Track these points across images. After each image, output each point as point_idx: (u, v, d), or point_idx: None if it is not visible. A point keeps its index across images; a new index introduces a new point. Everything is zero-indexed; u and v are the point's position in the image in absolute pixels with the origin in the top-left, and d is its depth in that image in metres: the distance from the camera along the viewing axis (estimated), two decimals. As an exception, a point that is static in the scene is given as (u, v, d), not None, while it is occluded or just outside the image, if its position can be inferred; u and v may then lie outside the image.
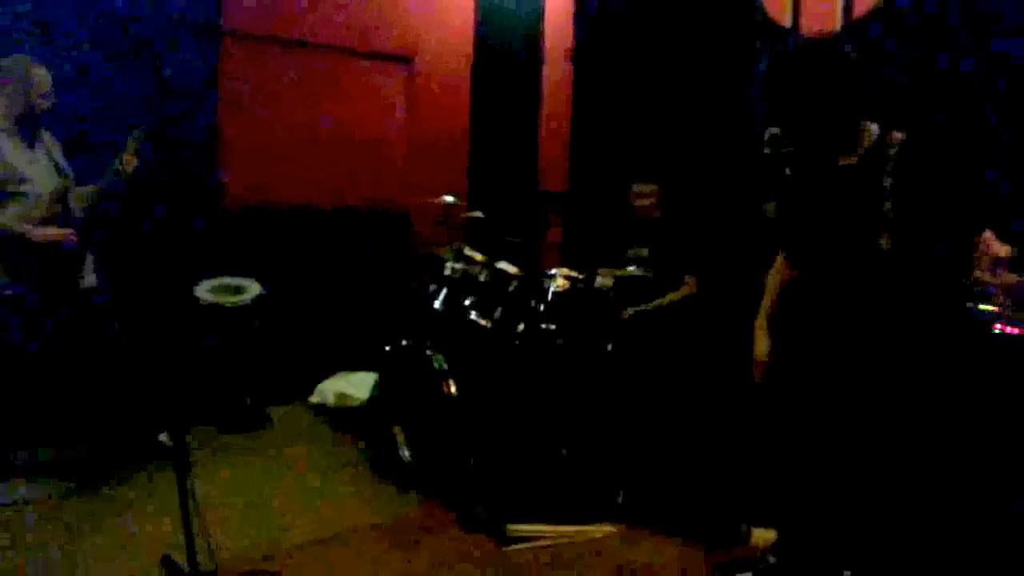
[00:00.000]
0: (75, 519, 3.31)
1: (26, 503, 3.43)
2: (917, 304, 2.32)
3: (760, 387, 2.79)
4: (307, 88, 5.22)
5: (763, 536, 3.14)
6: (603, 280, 4.04)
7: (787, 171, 3.22)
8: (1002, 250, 2.02)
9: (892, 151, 2.32)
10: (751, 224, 4.21)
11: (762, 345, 2.79)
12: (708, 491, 3.43)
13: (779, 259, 2.82)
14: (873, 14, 3.98)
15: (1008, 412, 2.46)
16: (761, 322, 2.82)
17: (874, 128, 2.42)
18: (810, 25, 4.29)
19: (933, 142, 2.39)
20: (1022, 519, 2.42)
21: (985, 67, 3.49)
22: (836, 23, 4.15)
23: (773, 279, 2.83)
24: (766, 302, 2.83)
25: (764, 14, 4.52)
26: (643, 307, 4.09)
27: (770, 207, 3.79)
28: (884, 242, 2.27)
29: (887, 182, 2.29)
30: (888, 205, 2.27)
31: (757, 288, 2.95)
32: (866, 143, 2.41)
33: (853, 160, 2.43)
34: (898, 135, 2.35)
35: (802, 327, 2.62)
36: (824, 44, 2.51)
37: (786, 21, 4.42)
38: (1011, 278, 2.01)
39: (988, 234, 2.05)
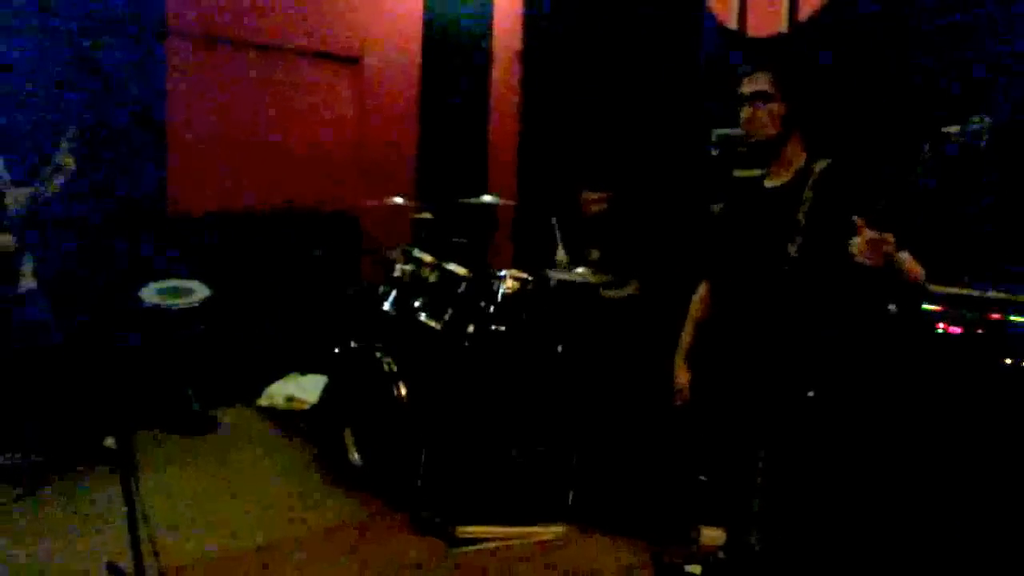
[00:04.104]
0: (19, 525, 3.24)
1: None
2: (843, 308, 2.44)
3: (680, 411, 2.89)
4: (254, 89, 5.15)
5: (712, 535, 3.18)
6: (555, 277, 4.07)
7: (736, 173, 3.34)
8: (872, 233, 2.16)
9: (815, 175, 2.51)
10: (699, 225, 4.26)
11: (682, 378, 2.90)
12: (657, 491, 3.47)
13: (700, 290, 2.92)
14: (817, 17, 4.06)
15: (947, 410, 2.55)
16: (680, 356, 2.93)
17: (800, 154, 2.61)
18: (756, 27, 4.35)
19: (852, 163, 2.55)
20: (963, 520, 2.51)
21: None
22: (782, 25, 4.21)
23: (692, 313, 2.93)
24: (685, 338, 2.93)
25: (711, 16, 4.58)
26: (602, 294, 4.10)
27: (718, 208, 3.87)
28: (792, 249, 2.43)
29: (806, 194, 2.47)
30: (801, 214, 2.43)
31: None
32: (795, 167, 2.60)
33: (779, 183, 2.62)
34: (823, 163, 2.54)
35: (720, 356, 2.72)
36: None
37: (732, 23, 4.48)
38: (871, 233, 2.16)
39: (859, 220, 2.18)
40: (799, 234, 2.44)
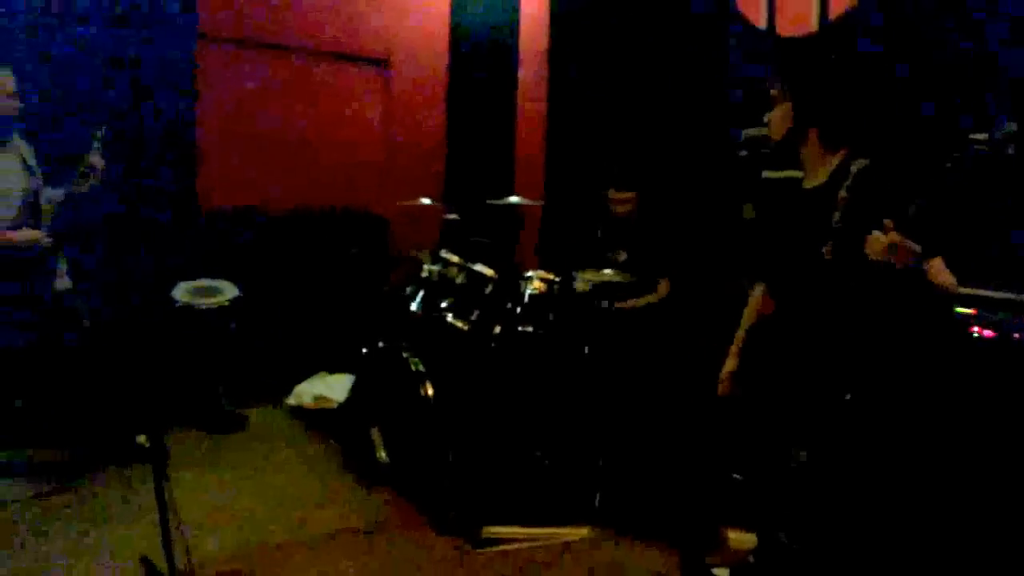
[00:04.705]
0: (53, 520, 3.30)
1: (4, 503, 3.42)
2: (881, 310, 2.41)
3: (721, 401, 2.87)
4: (283, 91, 5.22)
5: (741, 538, 3.15)
6: (580, 284, 4.07)
7: (764, 174, 3.31)
8: (896, 237, 2.13)
9: (851, 176, 2.45)
10: (727, 226, 4.24)
11: (728, 367, 2.87)
12: (684, 493, 3.45)
13: (757, 290, 2.89)
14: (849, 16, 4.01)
15: (981, 413, 2.52)
16: (734, 348, 2.89)
17: (837, 153, 2.55)
18: (786, 27, 4.32)
19: (891, 164, 2.51)
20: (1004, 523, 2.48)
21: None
22: (812, 25, 4.17)
23: (749, 309, 2.90)
24: (740, 332, 2.90)
25: (739, 15, 4.55)
26: (618, 305, 4.09)
27: (747, 208, 3.84)
28: (827, 251, 2.39)
29: (841, 195, 2.41)
30: (836, 216, 2.39)
31: (731, 291, 2.99)
32: (830, 167, 2.54)
33: (816, 184, 2.57)
34: (861, 162, 2.48)
35: (771, 354, 2.70)
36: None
37: (761, 22, 4.45)
38: (895, 237, 2.13)
39: (888, 223, 2.15)
40: (833, 236, 2.41)
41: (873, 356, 2.42)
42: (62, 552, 3.04)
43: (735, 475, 3.16)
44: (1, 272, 3.49)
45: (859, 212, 2.37)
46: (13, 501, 3.44)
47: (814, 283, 2.46)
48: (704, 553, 3.16)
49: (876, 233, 2.17)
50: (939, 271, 2.25)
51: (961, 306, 2.65)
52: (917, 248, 2.12)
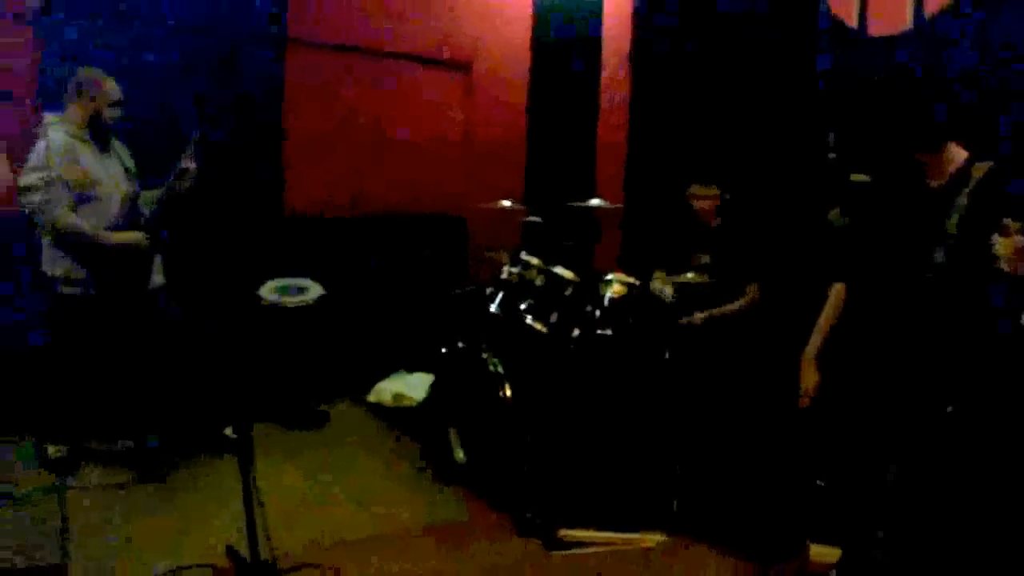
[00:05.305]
0: (143, 506, 3.44)
1: (99, 488, 3.58)
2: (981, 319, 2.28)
3: (806, 413, 2.77)
4: (368, 95, 5.30)
5: (823, 552, 3.06)
6: (661, 286, 4.02)
7: (852, 177, 3.19)
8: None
9: (973, 180, 2.33)
10: (815, 230, 4.12)
11: (810, 379, 2.77)
12: (764, 503, 3.37)
13: (835, 290, 2.78)
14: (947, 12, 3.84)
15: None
16: (809, 356, 2.79)
17: (961, 153, 2.41)
18: (879, 26, 4.18)
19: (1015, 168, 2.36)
20: None
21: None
22: (907, 22, 4.02)
23: (826, 315, 2.80)
24: (816, 339, 2.80)
25: (829, 13, 4.42)
26: (707, 313, 4.00)
27: (835, 213, 3.72)
28: (939, 256, 2.26)
29: (961, 200, 2.29)
30: (953, 220, 2.25)
31: (816, 297, 2.89)
32: (951, 168, 2.41)
33: (940, 184, 2.43)
34: (984, 166, 2.36)
35: (856, 362, 2.59)
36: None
37: (853, 20, 4.31)
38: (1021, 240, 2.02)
39: (1013, 225, 2.04)
40: (948, 241, 2.29)
41: (981, 367, 2.29)
42: (150, 537, 3.16)
43: (819, 481, 3.06)
44: (105, 272, 3.66)
45: (980, 218, 2.24)
46: (106, 487, 3.60)
47: (921, 289, 2.34)
48: (784, 566, 3.08)
49: (1001, 239, 2.06)
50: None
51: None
52: None
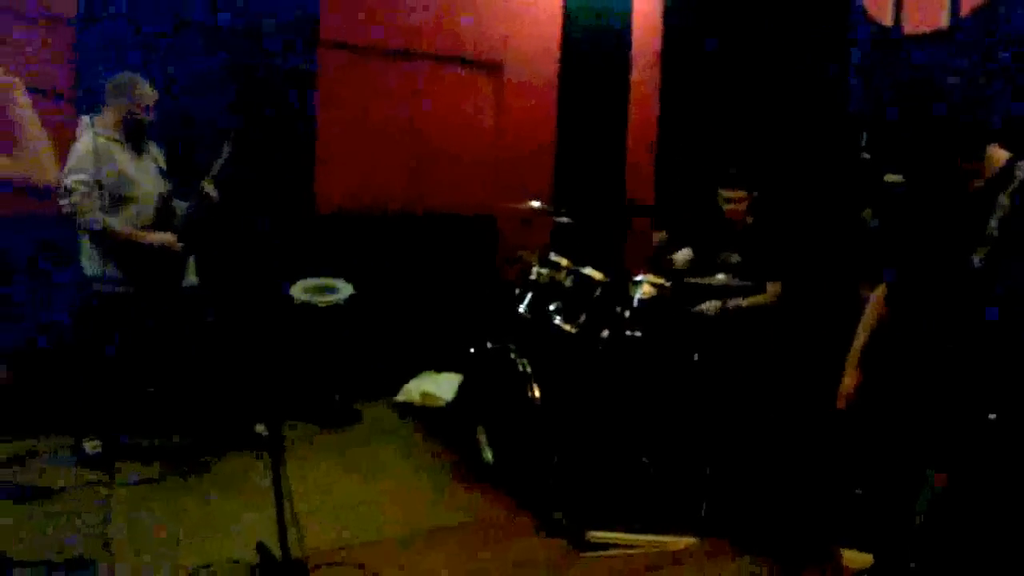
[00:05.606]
0: (176, 502, 3.49)
1: (134, 485, 3.64)
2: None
3: (843, 415, 2.73)
4: (399, 95, 5.33)
5: (854, 558, 3.03)
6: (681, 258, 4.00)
7: (886, 179, 3.12)
8: None
9: (1015, 181, 2.25)
10: (846, 230, 4.07)
11: (851, 381, 2.72)
12: (795, 507, 3.34)
13: (878, 292, 2.73)
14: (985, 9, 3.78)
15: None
16: (853, 359, 2.75)
17: (1001, 153, 2.35)
18: (913, 22, 4.12)
19: None
20: None
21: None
22: (943, 20, 3.96)
23: (869, 316, 2.75)
24: (859, 341, 2.75)
25: (863, 10, 4.36)
26: (720, 303, 3.94)
27: (867, 213, 3.67)
28: (977, 259, 2.21)
29: (1002, 201, 2.22)
30: (993, 221, 2.20)
31: (849, 298, 2.86)
32: (992, 168, 2.34)
33: (979, 185, 2.35)
34: None
35: (896, 365, 2.54)
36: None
37: (887, 18, 4.25)
38: None
39: None
40: (987, 243, 2.23)
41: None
42: (184, 533, 3.21)
43: (857, 490, 3.02)
44: (140, 271, 3.73)
45: (1021, 221, 2.19)
46: (140, 481, 3.67)
47: (959, 292, 2.29)
48: (814, 570, 3.05)
49: None
50: None
51: None
52: None
